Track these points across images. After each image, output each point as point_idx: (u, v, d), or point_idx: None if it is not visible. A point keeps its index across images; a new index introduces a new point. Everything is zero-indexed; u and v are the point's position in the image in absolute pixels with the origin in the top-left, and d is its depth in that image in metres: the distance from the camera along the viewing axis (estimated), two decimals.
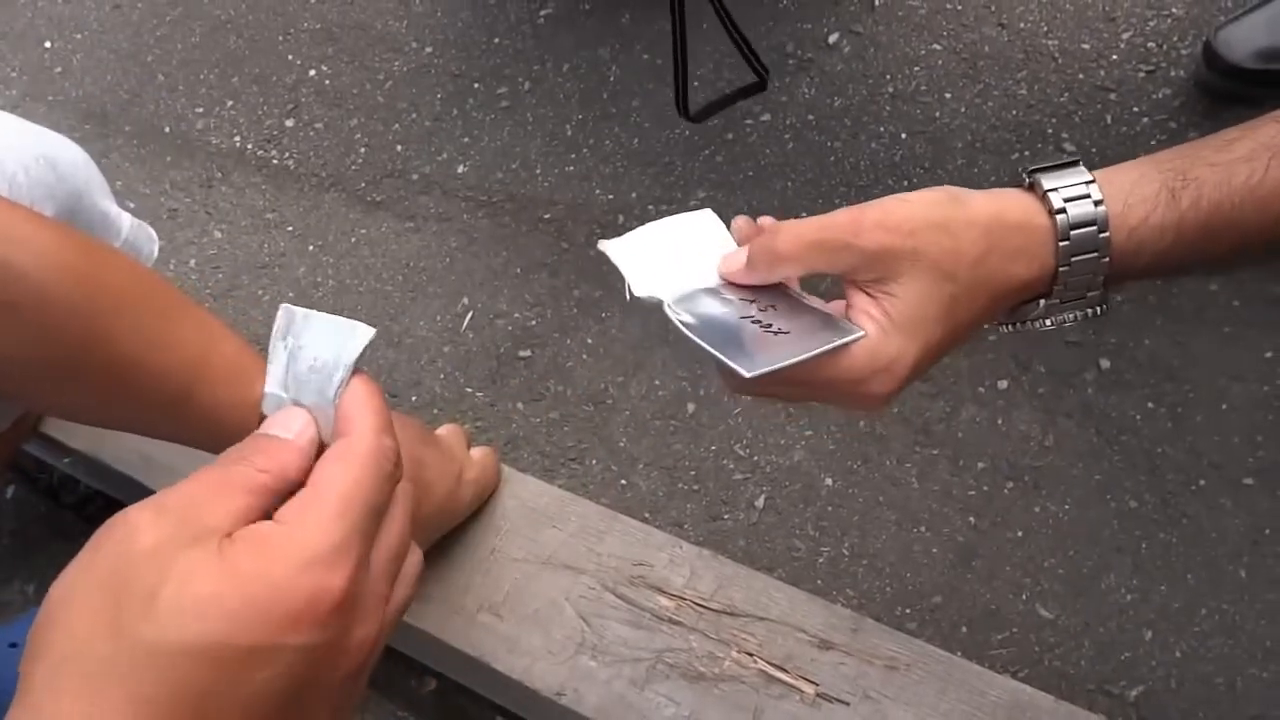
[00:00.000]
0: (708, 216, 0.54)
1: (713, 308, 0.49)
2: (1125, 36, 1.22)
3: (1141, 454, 0.97)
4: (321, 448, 0.38)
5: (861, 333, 0.47)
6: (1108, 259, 0.48)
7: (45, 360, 0.57)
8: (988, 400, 1.02)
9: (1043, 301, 0.50)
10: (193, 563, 0.32)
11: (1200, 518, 0.93)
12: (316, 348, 0.39)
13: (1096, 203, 0.48)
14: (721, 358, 0.45)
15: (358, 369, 0.39)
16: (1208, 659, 0.87)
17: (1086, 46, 1.23)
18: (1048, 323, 0.52)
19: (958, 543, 0.96)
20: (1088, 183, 0.48)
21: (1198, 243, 0.48)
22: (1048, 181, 0.49)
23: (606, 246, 0.52)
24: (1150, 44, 1.21)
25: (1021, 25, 1.27)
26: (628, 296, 0.49)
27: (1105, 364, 1.02)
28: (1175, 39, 1.20)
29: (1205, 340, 1.01)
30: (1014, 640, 0.90)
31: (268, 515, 0.35)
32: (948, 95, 1.24)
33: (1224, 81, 1.11)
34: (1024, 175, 0.50)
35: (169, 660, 0.30)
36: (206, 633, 0.31)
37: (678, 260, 0.52)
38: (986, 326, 0.51)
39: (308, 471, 0.37)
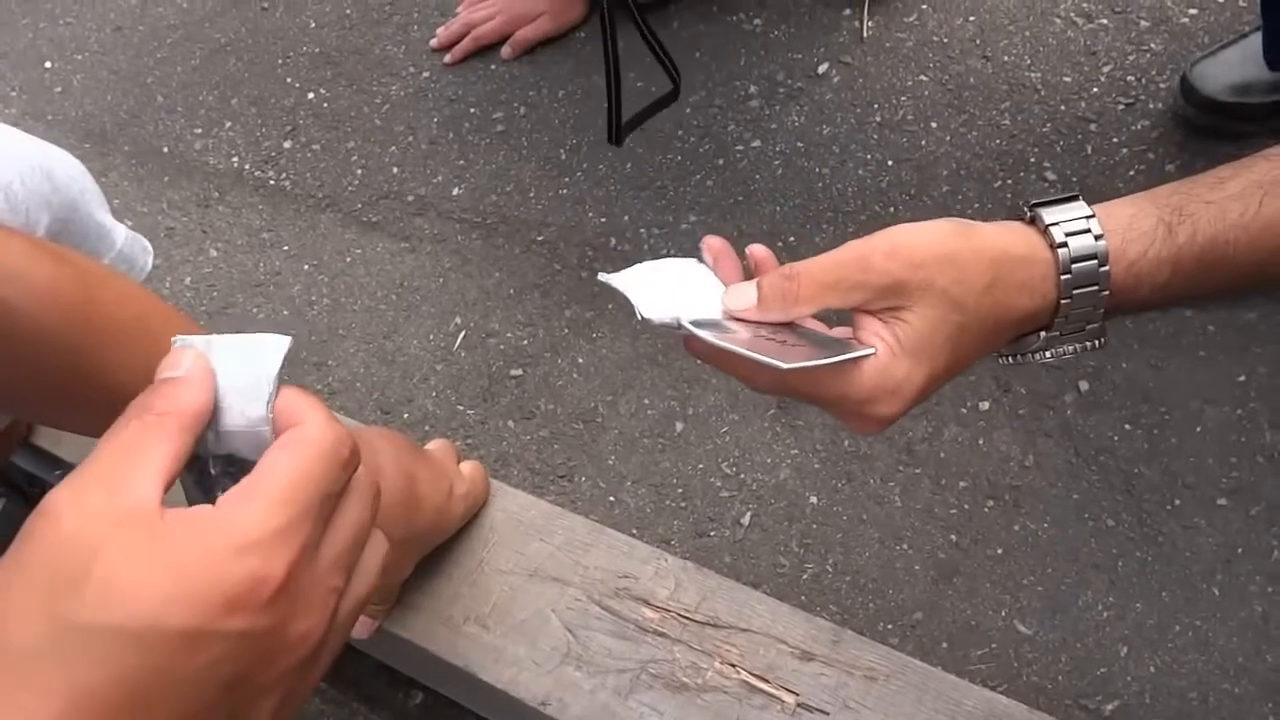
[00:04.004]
0: (696, 264, 0.56)
1: (725, 328, 0.51)
2: (1105, 70, 1.26)
3: (1119, 474, 0.99)
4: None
5: (873, 350, 0.48)
6: (1107, 292, 0.49)
7: (37, 391, 0.57)
8: (969, 421, 1.04)
9: (1043, 333, 0.51)
10: (125, 544, 0.31)
11: (1175, 536, 0.95)
12: (230, 375, 0.37)
13: (1097, 237, 0.49)
14: (756, 355, 0.46)
15: (283, 383, 0.38)
16: (1181, 675, 0.88)
17: (1068, 79, 1.26)
18: (1047, 355, 0.53)
19: (939, 560, 0.97)
20: (1088, 217, 0.49)
21: (1193, 276, 0.49)
22: (1049, 216, 0.49)
23: (608, 278, 0.53)
24: (1129, 77, 1.24)
25: (1005, 58, 1.30)
26: (637, 318, 0.50)
27: (1084, 386, 1.04)
28: (1153, 73, 1.24)
29: (1180, 364, 1.03)
30: (993, 656, 0.92)
31: (196, 456, 0.35)
32: (933, 124, 1.27)
33: (1200, 114, 1.14)
34: (1024, 209, 0.51)
35: (102, 643, 0.30)
36: (140, 615, 0.30)
37: (676, 292, 0.53)
38: (985, 358, 0.52)
39: (210, 404, 0.36)
